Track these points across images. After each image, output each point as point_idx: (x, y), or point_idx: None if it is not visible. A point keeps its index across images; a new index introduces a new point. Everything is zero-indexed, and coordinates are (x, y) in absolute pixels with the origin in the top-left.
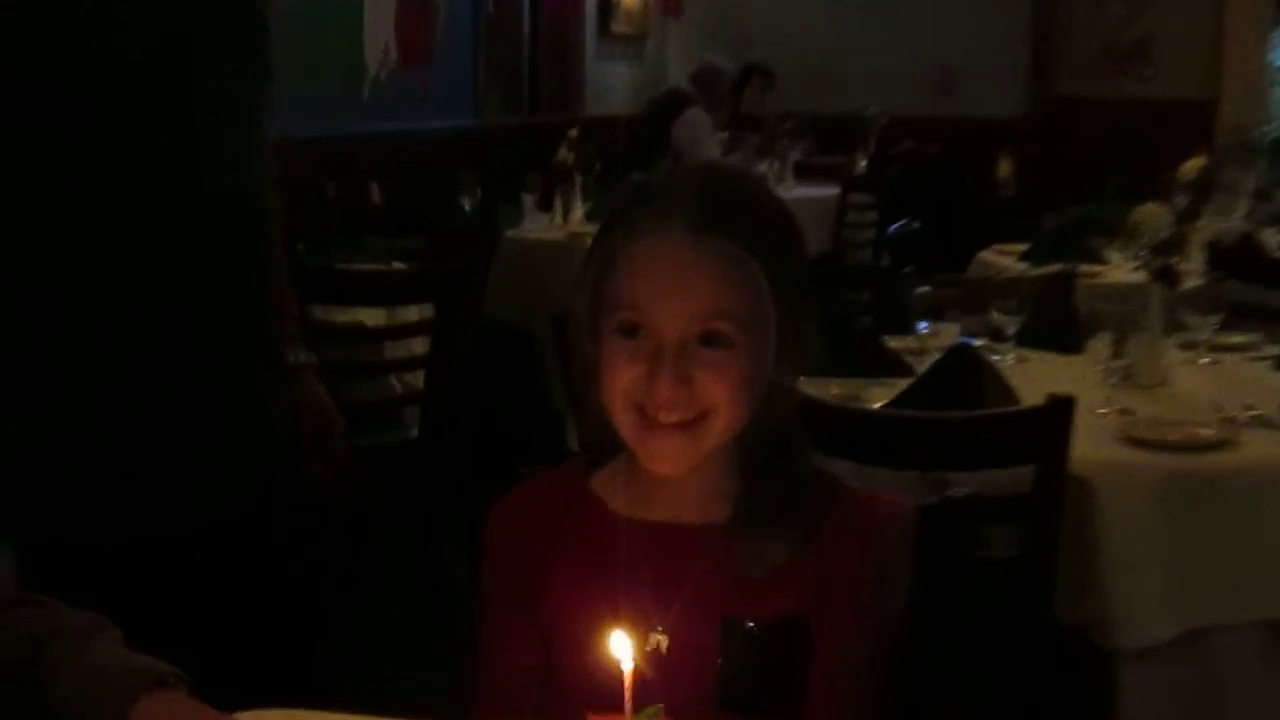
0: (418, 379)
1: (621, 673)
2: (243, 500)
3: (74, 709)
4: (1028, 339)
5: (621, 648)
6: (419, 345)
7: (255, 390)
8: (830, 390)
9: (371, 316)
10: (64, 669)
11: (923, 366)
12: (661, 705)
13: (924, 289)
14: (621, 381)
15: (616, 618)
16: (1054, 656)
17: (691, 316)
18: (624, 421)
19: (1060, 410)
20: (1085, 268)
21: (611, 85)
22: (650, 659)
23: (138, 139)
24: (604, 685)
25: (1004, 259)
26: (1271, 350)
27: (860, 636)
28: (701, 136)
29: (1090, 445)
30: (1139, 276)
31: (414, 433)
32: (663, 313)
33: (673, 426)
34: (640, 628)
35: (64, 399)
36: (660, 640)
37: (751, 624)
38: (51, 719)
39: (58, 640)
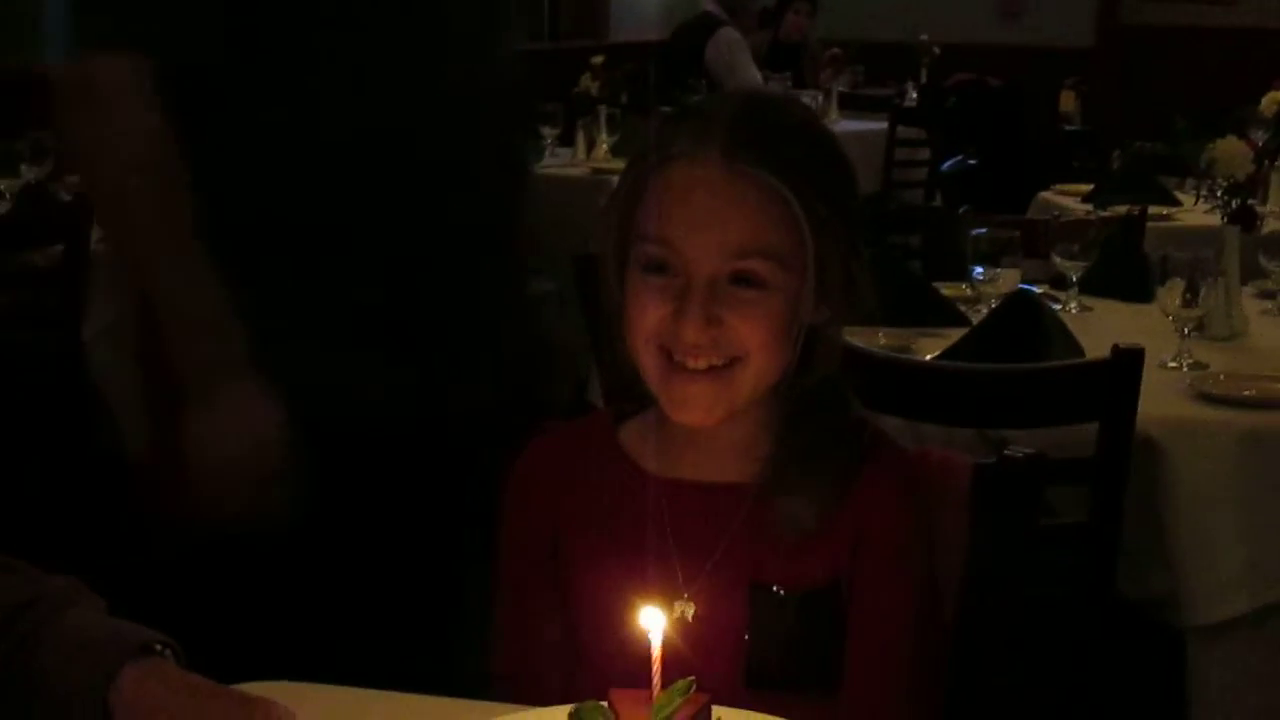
0: None
1: (648, 645)
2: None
3: (55, 679)
4: (1092, 286)
5: (651, 621)
6: None
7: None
8: (878, 339)
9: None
10: (45, 636)
11: (978, 315)
12: (693, 679)
13: (980, 230)
14: (647, 321)
15: (644, 584)
16: (1117, 633)
17: (723, 251)
18: (649, 365)
19: (1127, 363)
20: (1155, 209)
21: (639, 8)
22: (675, 627)
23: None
24: (630, 657)
25: (1067, 200)
26: None
27: (900, 602)
28: (738, 57)
29: (1160, 402)
30: (1214, 219)
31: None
32: (693, 246)
33: (700, 372)
34: (666, 595)
35: (348, 274)
36: (686, 608)
37: (781, 590)
38: (32, 688)
39: (36, 607)
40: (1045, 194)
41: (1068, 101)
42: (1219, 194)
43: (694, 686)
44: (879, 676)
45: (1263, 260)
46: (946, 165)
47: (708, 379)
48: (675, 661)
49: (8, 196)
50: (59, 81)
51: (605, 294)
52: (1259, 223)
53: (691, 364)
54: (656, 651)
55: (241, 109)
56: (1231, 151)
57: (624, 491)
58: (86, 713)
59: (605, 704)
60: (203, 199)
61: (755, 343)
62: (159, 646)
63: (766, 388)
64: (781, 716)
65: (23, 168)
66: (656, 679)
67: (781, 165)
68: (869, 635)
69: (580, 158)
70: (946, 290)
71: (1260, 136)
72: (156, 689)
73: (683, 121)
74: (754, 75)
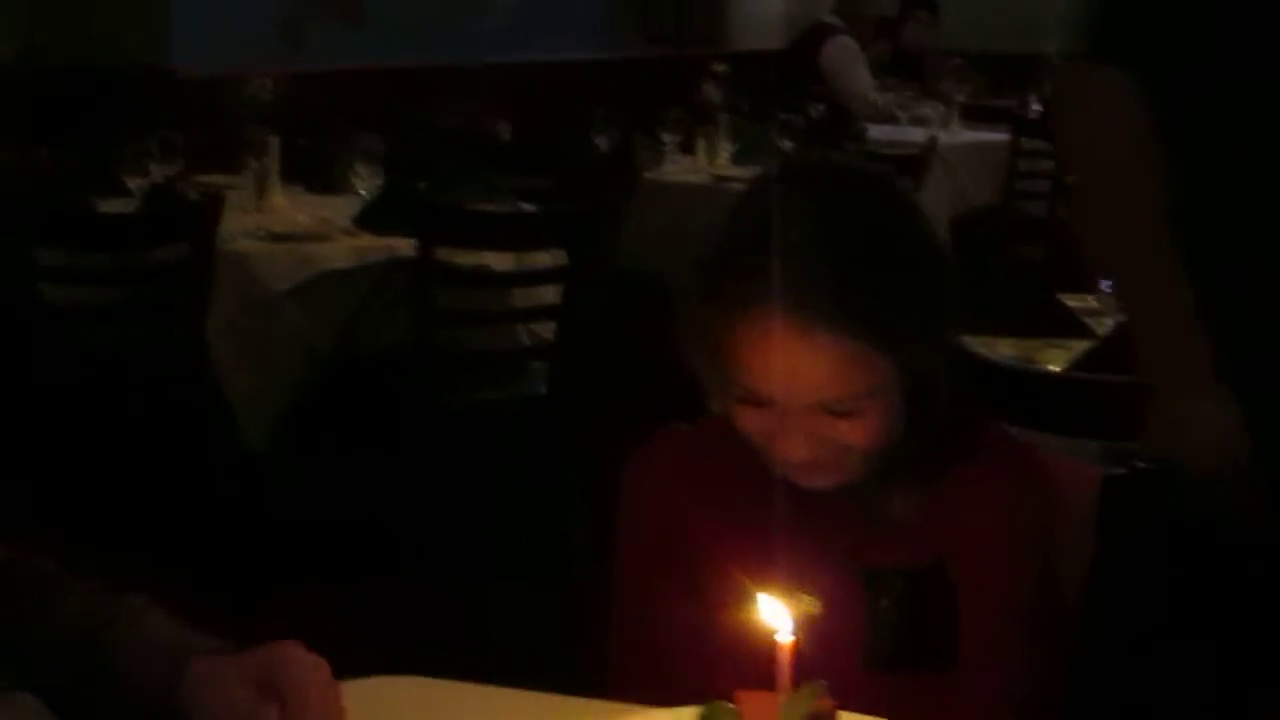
0: (547, 330)
1: (773, 644)
2: None
3: (132, 681)
4: None
5: (778, 618)
6: (549, 293)
7: None
8: (1001, 350)
9: (499, 260)
10: (122, 644)
11: (1102, 327)
12: (824, 682)
13: None
14: (748, 430)
15: (770, 580)
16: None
17: (813, 399)
18: (767, 458)
19: None
20: None
21: (762, 17)
22: (801, 616)
23: None
24: (756, 654)
25: None
26: None
27: (1011, 591)
28: (850, 64)
29: None
30: None
31: (542, 389)
32: (786, 395)
33: (807, 466)
34: (790, 585)
35: None
36: (810, 603)
37: (892, 572)
38: (111, 691)
39: (109, 619)
40: None
41: None
42: None
43: (825, 689)
44: (990, 659)
45: None
46: (1071, 177)
47: (819, 466)
48: (800, 653)
49: (137, 194)
50: (1060, 80)
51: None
52: None
53: (795, 463)
54: (784, 653)
55: (1231, 95)
56: None
57: (750, 488)
58: (158, 712)
59: (733, 705)
60: (1183, 195)
61: (859, 444)
62: (227, 650)
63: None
64: (899, 699)
65: (152, 166)
66: (784, 681)
67: (865, 317)
68: (980, 617)
69: (701, 164)
70: (1070, 302)
71: None
72: (218, 685)
73: (754, 261)
74: (866, 81)
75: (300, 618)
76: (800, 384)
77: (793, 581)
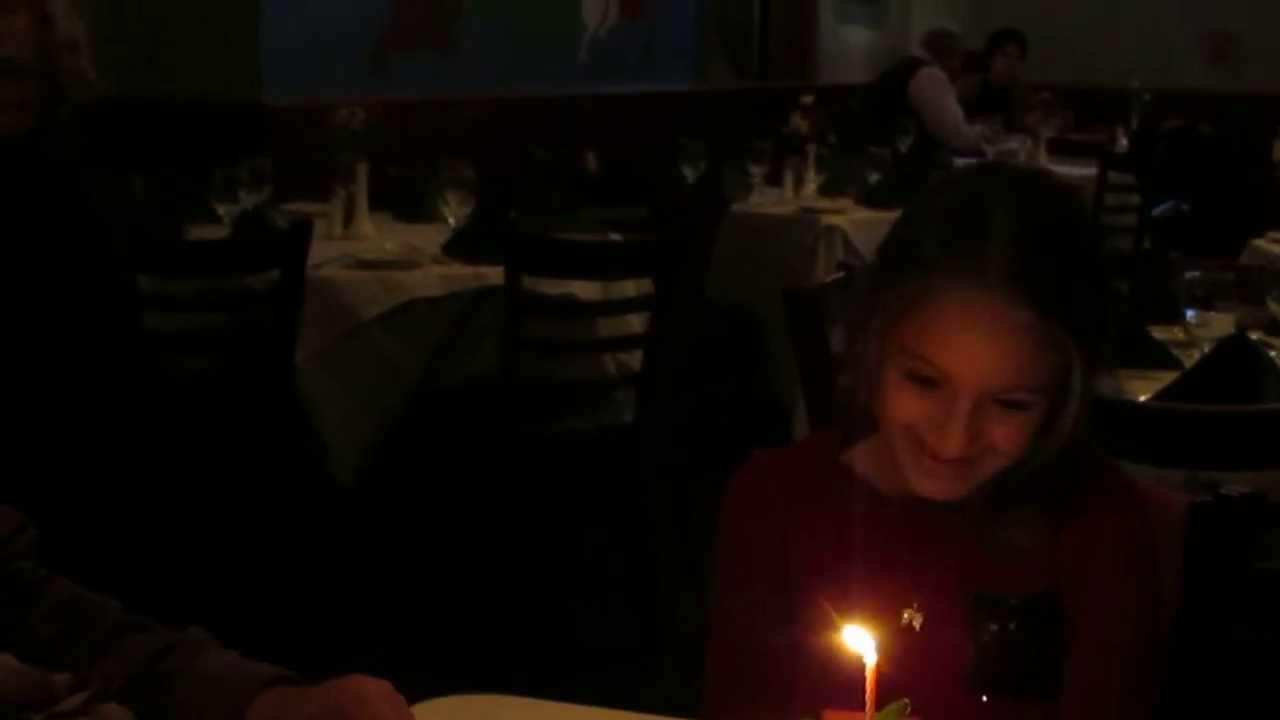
0: (633, 359)
1: (862, 672)
2: None
3: (193, 713)
4: None
5: (863, 642)
6: (635, 322)
7: None
8: None
9: (585, 289)
10: (181, 676)
11: (1190, 359)
12: (908, 701)
13: (1194, 273)
14: (904, 416)
15: (866, 600)
16: None
17: (994, 384)
18: (899, 444)
19: None
20: None
21: (848, 50)
22: (903, 636)
23: None
24: (849, 673)
25: None
26: None
27: (1124, 622)
28: (940, 95)
29: None
30: None
31: (628, 417)
32: (965, 377)
33: (948, 463)
34: (893, 605)
35: None
36: (915, 617)
37: (1002, 596)
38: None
39: (173, 652)
40: (1259, 241)
41: None
42: None
43: (908, 708)
44: (1099, 689)
45: None
46: (1158, 210)
47: (955, 468)
48: (900, 672)
49: (227, 221)
50: None
51: (857, 346)
52: None
53: (944, 455)
54: (870, 672)
55: None
56: None
57: (848, 506)
58: None
59: None
60: None
61: (1008, 446)
62: (287, 680)
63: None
64: None
65: (241, 193)
66: (870, 700)
67: (1060, 304)
68: (1091, 646)
69: (789, 195)
70: (1158, 333)
71: None
72: (284, 714)
73: (957, 237)
74: (955, 113)
75: (387, 649)
76: (986, 363)
77: (895, 602)
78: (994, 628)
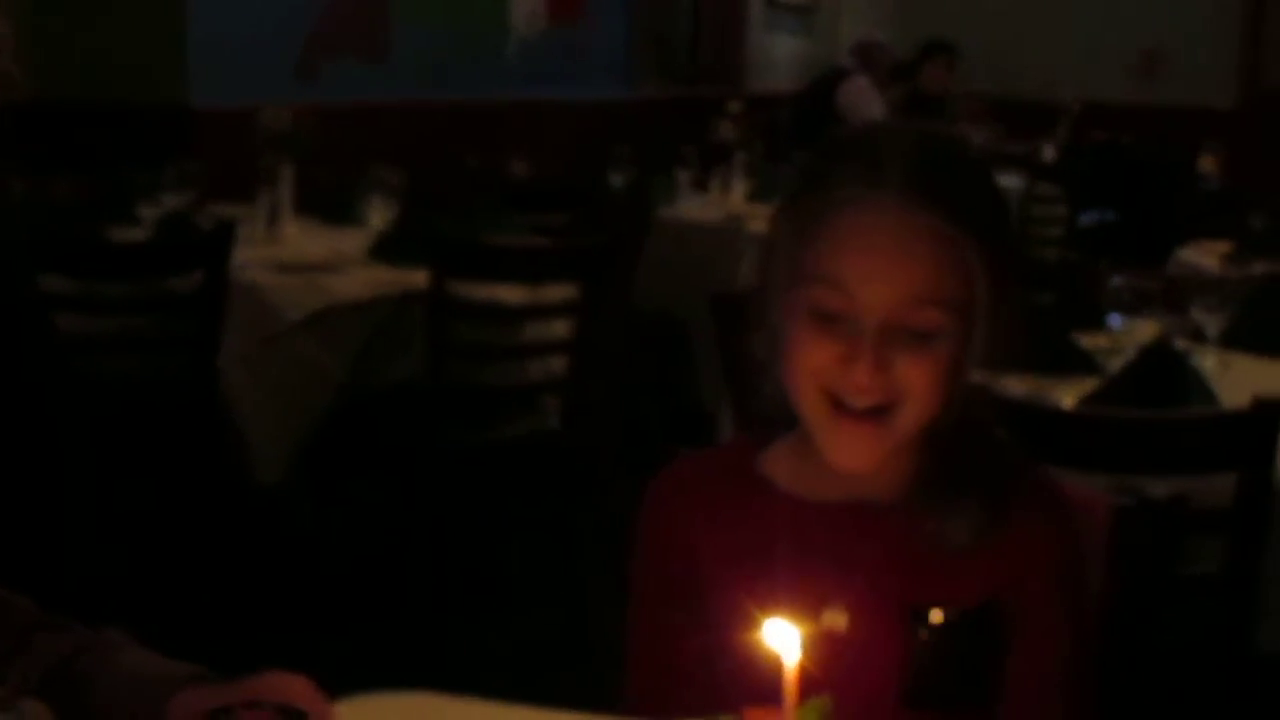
0: (560, 365)
1: (783, 664)
2: None
3: (114, 713)
4: (1233, 340)
5: (783, 638)
6: (562, 328)
7: None
8: (1011, 386)
9: (511, 295)
10: (101, 676)
11: (1115, 366)
12: (829, 696)
13: (1119, 281)
14: (813, 362)
15: (782, 603)
16: (1254, 688)
17: (900, 300)
18: (809, 405)
19: (1267, 414)
20: None
21: (777, 59)
22: (825, 639)
23: None
24: (771, 676)
25: (1206, 258)
26: None
27: (1064, 629)
28: (867, 103)
29: None
30: None
31: (554, 423)
32: (869, 294)
33: (862, 417)
34: (812, 608)
35: None
36: (836, 619)
37: (942, 612)
38: None
39: (91, 651)
40: (1184, 251)
41: (1207, 163)
42: None
43: (830, 706)
44: (1040, 699)
45: None
46: (1084, 219)
47: (870, 424)
48: (829, 681)
49: (149, 223)
50: None
51: (760, 326)
52: None
53: (854, 401)
54: (790, 670)
55: None
56: None
57: (766, 512)
58: None
59: None
60: None
61: (921, 387)
62: (208, 677)
63: (923, 427)
64: None
65: (165, 196)
66: (789, 697)
67: (959, 210)
68: (1031, 657)
69: (715, 202)
70: (1083, 341)
71: None
72: (203, 708)
73: (853, 159)
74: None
75: (312, 650)
76: (888, 274)
77: (814, 604)
78: (930, 641)
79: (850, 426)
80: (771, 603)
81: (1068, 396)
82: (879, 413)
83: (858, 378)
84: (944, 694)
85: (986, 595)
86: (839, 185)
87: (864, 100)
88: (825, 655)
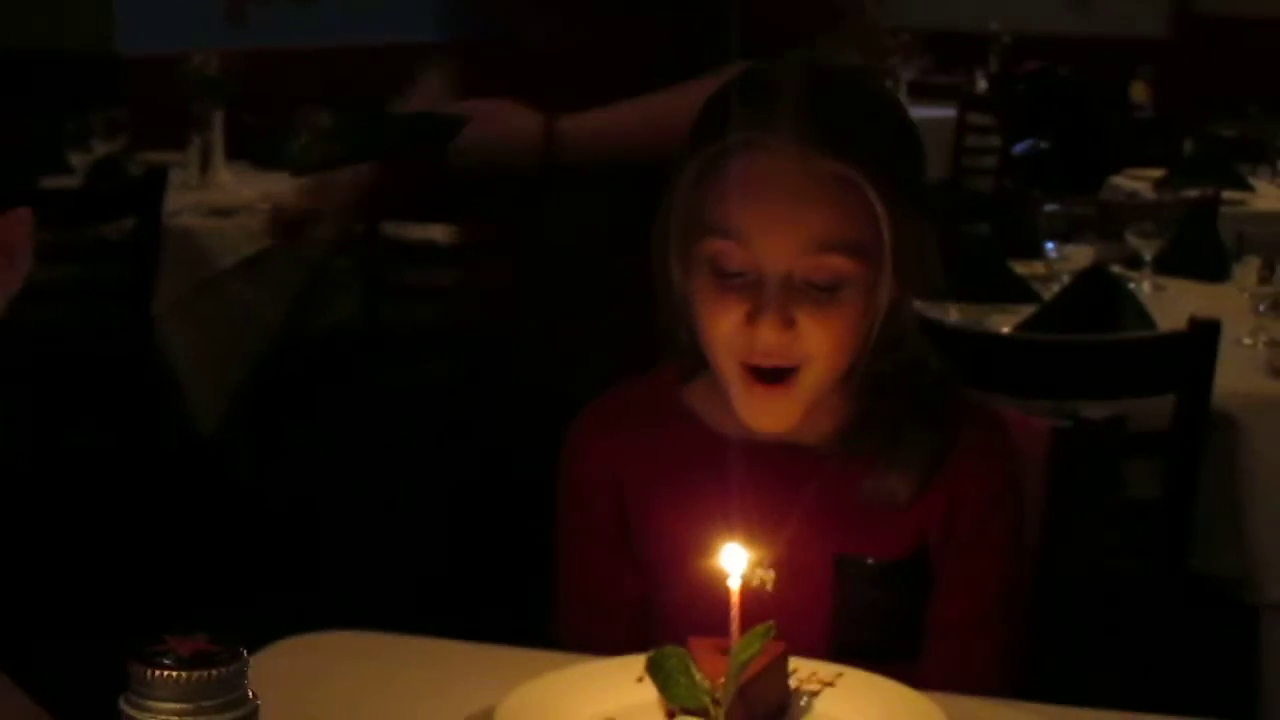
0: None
1: (727, 594)
2: None
3: None
4: (1167, 265)
5: (732, 562)
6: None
7: None
8: (950, 315)
9: (446, 235)
10: None
11: (1050, 292)
12: (773, 624)
13: (1053, 207)
14: (720, 333)
15: (718, 542)
16: (1190, 609)
17: (800, 248)
18: (720, 367)
19: (1204, 335)
20: (1229, 195)
21: None
22: (754, 597)
23: None
24: (708, 615)
25: (1139, 184)
26: None
27: (994, 565)
28: None
29: (1236, 378)
30: None
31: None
32: (767, 244)
33: (772, 380)
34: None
35: None
36: (766, 577)
37: (870, 560)
38: None
39: None
40: (1117, 178)
41: (1139, 91)
42: None
43: (773, 632)
44: (971, 639)
45: None
46: (1018, 148)
47: (780, 386)
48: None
49: (81, 171)
50: None
51: (664, 280)
52: None
53: (763, 363)
54: (736, 594)
55: None
56: None
57: (694, 451)
58: None
59: (682, 649)
60: None
61: (829, 344)
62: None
63: (841, 377)
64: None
65: (95, 143)
66: (736, 622)
67: (856, 150)
68: (962, 598)
69: None
70: (1019, 268)
71: None
72: None
73: (748, 102)
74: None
75: (254, 599)
76: (787, 219)
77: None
78: (859, 592)
79: (762, 390)
80: (703, 544)
81: (1005, 324)
82: (788, 374)
83: (764, 336)
84: (874, 644)
85: (919, 537)
86: (733, 130)
87: None
88: (753, 607)
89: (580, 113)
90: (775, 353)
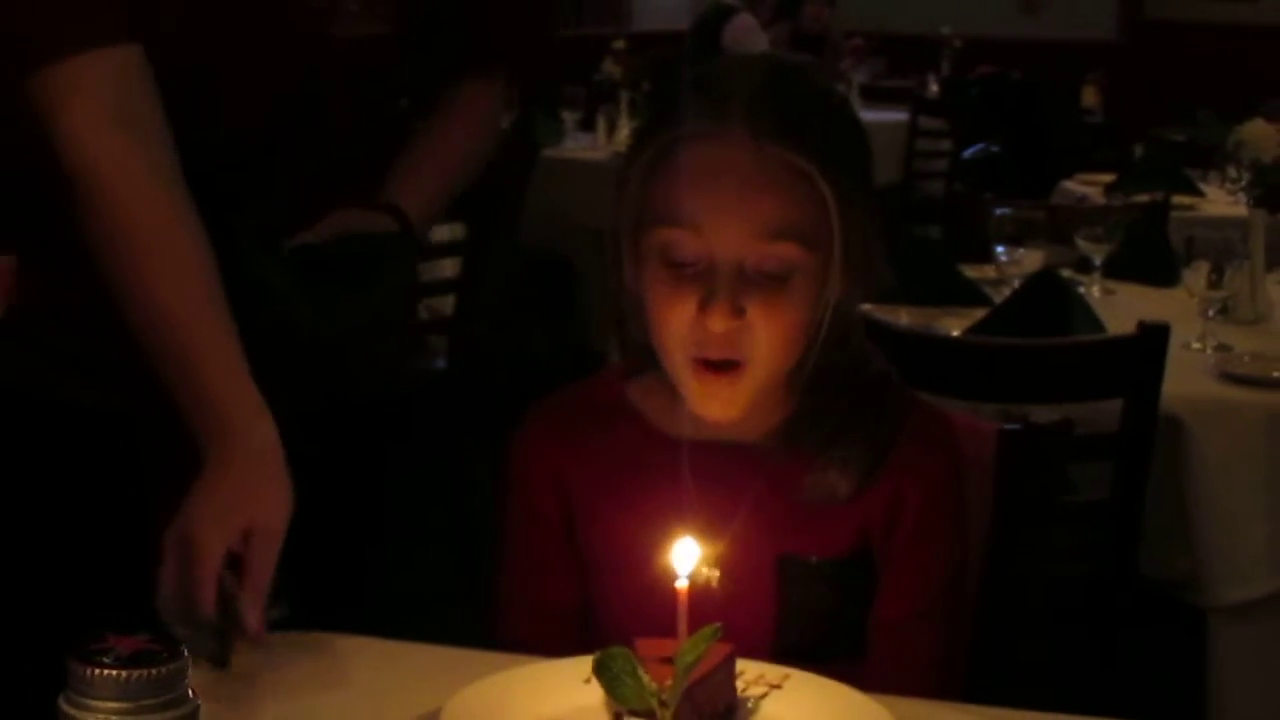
0: (446, 305)
1: (674, 594)
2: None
3: None
4: (1116, 269)
5: (679, 561)
6: (449, 267)
7: None
8: (900, 318)
9: None
10: None
11: (1001, 296)
12: (719, 625)
13: (1004, 211)
14: (671, 324)
15: (664, 541)
16: (1139, 613)
17: (751, 235)
18: (669, 358)
19: (1153, 339)
20: (1179, 199)
21: None
22: (699, 595)
23: None
24: (651, 617)
25: (1089, 189)
26: None
27: (935, 565)
28: (752, 41)
29: (1184, 382)
30: (1237, 209)
31: (440, 363)
32: (718, 230)
33: (721, 370)
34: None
35: None
36: (711, 575)
37: (814, 559)
38: None
39: None
40: (1068, 183)
41: (1090, 96)
42: (1243, 179)
43: (720, 633)
44: (912, 636)
45: None
46: (969, 152)
47: (728, 375)
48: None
49: None
50: None
51: (618, 275)
52: None
53: (713, 354)
54: (683, 594)
55: None
56: (1259, 133)
57: (638, 450)
58: None
59: (627, 650)
60: None
61: (777, 337)
62: None
63: (789, 370)
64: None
65: None
66: (683, 623)
67: (808, 141)
68: (902, 597)
69: (601, 142)
70: (970, 272)
71: None
72: None
73: (701, 94)
74: None
75: None
76: (737, 208)
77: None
78: (802, 592)
79: (711, 379)
80: (647, 545)
81: (955, 327)
82: (737, 365)
83: (714, 325)
84: (816, 643)
85: (862, 535)
86: (686, 122)
87: (750, 38)
88: (698, 606)
89: (402, 189)
90: (725, 343)
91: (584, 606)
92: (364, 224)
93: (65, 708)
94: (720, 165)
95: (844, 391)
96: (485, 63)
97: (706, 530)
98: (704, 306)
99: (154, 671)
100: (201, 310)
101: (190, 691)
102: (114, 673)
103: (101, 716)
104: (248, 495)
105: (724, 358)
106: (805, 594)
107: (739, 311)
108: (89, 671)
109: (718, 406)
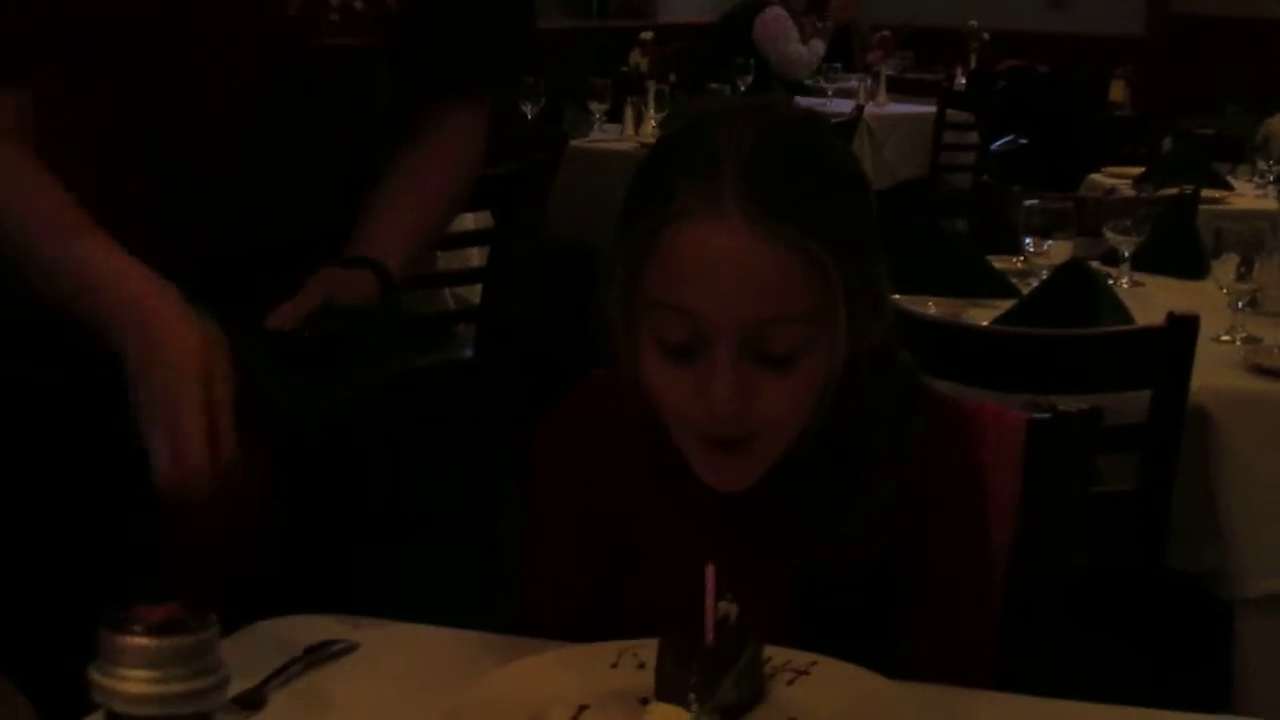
0: (473, 294)
1: (700, 583)
2: None
3: None
4: (1145, 262)
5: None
6: (475, 257)
7: None
8: (928, 309)
9: None
10: None
11: (1029, 287)
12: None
13: (1032, 203)
14: (672, 406)
15: (674, 549)
16: (1165, 604)
17: (751, 321)
18: (680, 439)
19: (1182, 330)
20: (1207, 193)
21: None
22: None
23: None
24: (678, 605)
25: (1117, 182)
26: None
27: (964, 567)
28: (784, 33)
29: (1213, 374)
30: (1266, 203)
31: (468, 353)
32: (716, 318)
33: (729, 447)
34: (701, 558)
35: None
36: (730, 610)
37: (831, 574)
38: None
39: None
40: (1095, 176)
41: (1117, 90)
42: (1272, 172)
43: (748, 619)
44: (942, 639)
45: None
46: (996, 145)
47: (735, 452)
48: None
49: None
50: None
51: (611, 357)
52: None
53: (721, 433)
54: (711, 577)
55: None
56: None
57: (660, 459)
58: None
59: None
60: None
61: (786, 410)
62: None
63: (804, 427)
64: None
65: None
66: (710, 610)
67: (807, 216)
68: (933, 600)
69: (629, 133)
70: (998, 263)
71: None
72: None
73: (689, 169)
74: (799, 52)
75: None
76: (734, 294)
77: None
78: (821, 606)
79: (719, 456)
80: (674, 549)
81: (983, 318)
82: (744, 441)
83: (716, 410)
84: (840, 651)
85: (876, 557)
86: (676, 199)
87: (780, 30)
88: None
89: (382, 235)
90: (731, 423)
91: (605, 594)
92: (347, 288)
93: (96, 677)
94: (714, 250)
95: (859, 447)
96: (468, 78)
97: (728, 554)
98: (705, 392)
99: (184, 640)
100: (58, 215)
101: (220, 660)
102: (143, 641)
103: (131, 685)
104: (188, 346)
105: (731, 436)
106: (824, 607)
107: (744, 394)
108: (118, 640)
109: (730, 479)
